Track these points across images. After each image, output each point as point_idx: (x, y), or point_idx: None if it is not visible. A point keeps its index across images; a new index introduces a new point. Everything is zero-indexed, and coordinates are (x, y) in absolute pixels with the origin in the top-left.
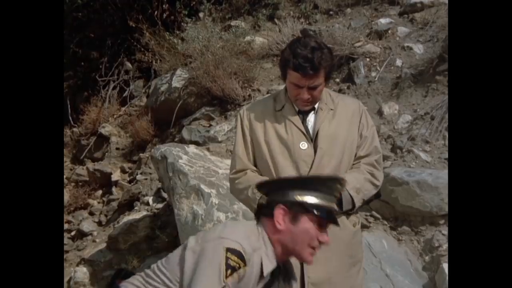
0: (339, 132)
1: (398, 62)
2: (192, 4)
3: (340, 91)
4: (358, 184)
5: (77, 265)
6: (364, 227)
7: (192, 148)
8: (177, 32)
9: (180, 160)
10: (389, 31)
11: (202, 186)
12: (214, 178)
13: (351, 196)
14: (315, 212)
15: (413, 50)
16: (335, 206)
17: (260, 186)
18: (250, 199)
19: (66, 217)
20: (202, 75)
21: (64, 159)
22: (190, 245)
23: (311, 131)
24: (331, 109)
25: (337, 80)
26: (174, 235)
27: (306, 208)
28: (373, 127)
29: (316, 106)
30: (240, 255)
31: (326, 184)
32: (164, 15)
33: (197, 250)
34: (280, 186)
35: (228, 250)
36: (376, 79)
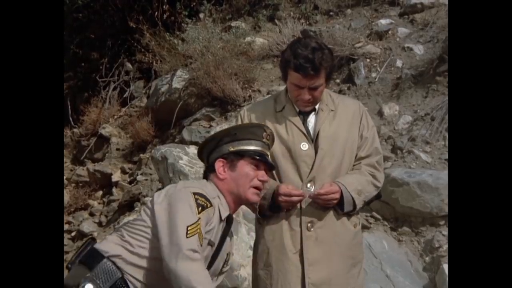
0: (340, 133)
1: (399, 63)
2: (192, 5)
3: (340, 91)
4: (359, 186)
5: None
6: (364, 227)
7: (192, 149)
8: (178, 32)
9: (180, 161)
10: (389, 32)
11: None
12: None
13: (352, 198)
14: (248, 155)
15: (413, 51)
16: (266, 151)
17: (200, 154)
18: None
19: (67, 218)
20: (202, 75)
21: (65, 159)
22: (157, 200)
23: (311, 132)
24: (332, 110)
25: (338, 80)
26: None
27: (239, 154)
28: (374, 128)
29: (316, 107)
30: (205, 197)
31: (251, 131)
32: (165, 16)
33: (165, 202)
34: (215, 146)
35: (195, 193)
36: (377, 79)
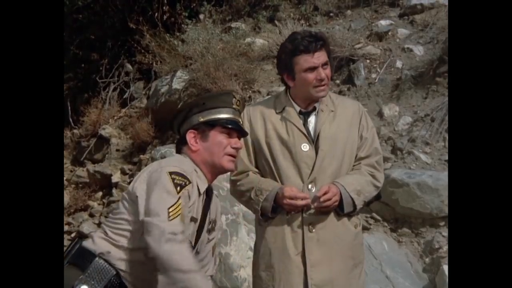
0: (340, 134)
1: (398, 64)
2: (192, 6)
3: (340, 92)
4: (358, 186)
5: None
6: (364, 229)
7: None
8: (178, 33)
9: None
10: (389, 33)
11: None
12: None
13: (352, 198)
14: (219, 124)
15: (413, 52)
16: (238, 117)
17: (171, 127)
18: (252, 202)
19: (66, 219)
20: (202, 76)
21: (64, 160)
22: (136, 187)
23: (312, 133)
24: (332, 111)
25: (337, 81)
26: None
27: (210, 124)
28: (373, 129)
29: (317, 106)
30: (182, 175)
31: (221, 99)
32: (165, 17)
33: (143, 186)
34: (184, 117)
35: (171, 173)
36: (376, 80)
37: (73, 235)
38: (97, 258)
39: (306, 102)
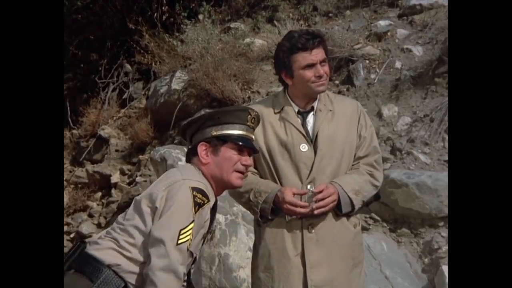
0: (338, 134)
1: (398, 64)
2: (191, 6)
3: (339, 93)
4: (357, 186)
5: None
6: (363, 229)
7: None
8: (177, 34)
9: (179, 162)
10: (389, 33)
11: None
12: None
13: (350, 199)
14: (231, 140)
15: (412, 52)
16: (251, 134)
17: (183, 135)
18: (251, 203)
19: (66, 219)
20: (201, 77)
21: (64, 161)
22: (156, 194)
23: (310, 133)
24: (330, 110)
25: (337, 82)
26: None
27: (222, 139)
28: (372, 128)
29: (315, 107)
30: (203, 193)
31: (236, 115)
32: (164, 17)
33: (164, 194)
34: (198, 128)
35: (194, 189)
36: (376, 81)
37: (72, 235)
38: (106, 270)
39: (305, 100)
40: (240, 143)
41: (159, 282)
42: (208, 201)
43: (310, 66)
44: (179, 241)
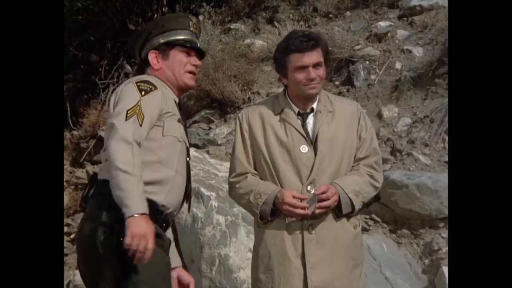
0: (338, 135)
1: (398, 65)
2: (191, 7)
3: (339, 94)
4: (357, 187)
5: (76, 268)
6: (363, 230)
7: (191, 151)
8: None
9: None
10: (389, 34)
11: (202, 189)
12: (214, 181)
13: (350, 199)
14: (179, 44)
15: (412, 53)
16: (195, 39)
17: (132, 50)
18: (251, 205)
19: (66, 220)
20: (201, 78)
21: (64, 162)
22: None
23: (310, 134)
24: (330, 111)
25: (337, 83)
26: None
27: (169, 44)
28: (372, 129)
29: (314, 107)
30: (148, 82)
31: (179, 21)
32: None
33: (115, 97)
34: (145, 40)
35: (137, 82)
36: (376, 82)
37: (72, 236)
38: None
39: (301, 101)
40: (188, 45)
41: (110, 150)
42: (156, 88)
43: (302, 68)
44: (127, 117)
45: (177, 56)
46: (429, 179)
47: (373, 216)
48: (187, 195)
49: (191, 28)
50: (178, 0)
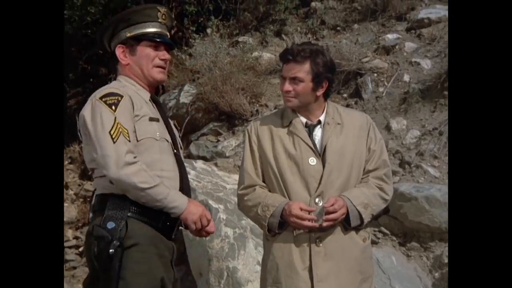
0: (347, 147)
1: (406, 78)
2: (200, 20)
3: (347, 106)
4: (366, 200)
5: None
6: (373, 243)
7: (199, 164)
8: (185, 48)
9: (188, 176)
10: (397, 47)
11: (210, 202)
12: (222, 194)
13: (358, 212)
14: (146, 38)
15: (420, 66)
16: (165, 31)
17: (101, 43)
18: (259, 217)
19: (74, 233)
20: (209, 90)
21: (72, 174)
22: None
23: (318, 146)
24: (338, 123)
25: (345, 95)
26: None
27: (137, 39)
28: (381, 141)
29: (322, 120)
30: (112, 94)
31: (146, 13)
32: (172, 31)
33: (88, 121)
34: (112, 32)
35: (101, 97)
36: (384, 94)
37: (81, 249)
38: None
39: (302, 112)
40: (156, 39)
41: (121, 180)
42: (121, 96)
43: (283, 78)
44: (114, 139)
45: (144, 51)
46: (439, 191)
47: (382, 228)
48: (184, 188)
49: (160, 20)
50: (187, 14)
